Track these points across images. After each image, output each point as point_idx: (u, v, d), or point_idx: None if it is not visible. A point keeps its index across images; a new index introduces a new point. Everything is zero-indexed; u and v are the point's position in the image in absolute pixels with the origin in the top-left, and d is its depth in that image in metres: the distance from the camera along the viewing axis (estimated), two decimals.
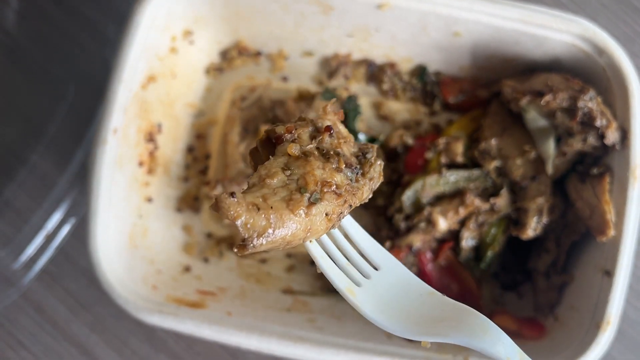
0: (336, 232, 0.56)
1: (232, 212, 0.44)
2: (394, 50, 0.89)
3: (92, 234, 0.74)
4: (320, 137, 0.53)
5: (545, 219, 0.80)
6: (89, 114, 0.89)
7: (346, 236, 0.57)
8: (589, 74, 0.80)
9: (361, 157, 0.56)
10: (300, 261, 0.89)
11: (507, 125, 0.84)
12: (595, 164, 0.79)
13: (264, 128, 0.86)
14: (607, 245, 0.76)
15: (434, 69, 0.92)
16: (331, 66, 0.92)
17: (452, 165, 0.85)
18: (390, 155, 0.90)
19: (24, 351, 0.91)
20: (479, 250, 0.85)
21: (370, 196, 0.56)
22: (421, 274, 0.84)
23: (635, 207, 0.74)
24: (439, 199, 0.83)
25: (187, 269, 0.86)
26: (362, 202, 0.55)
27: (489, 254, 0.83)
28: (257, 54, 0.93)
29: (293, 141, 0.52)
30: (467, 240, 0.83)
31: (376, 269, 0.57)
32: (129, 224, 0.81)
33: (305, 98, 0.91)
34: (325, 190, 0.50)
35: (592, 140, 0.77)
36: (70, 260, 0.92)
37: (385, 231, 0.87)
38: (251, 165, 0.54)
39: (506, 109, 0.85)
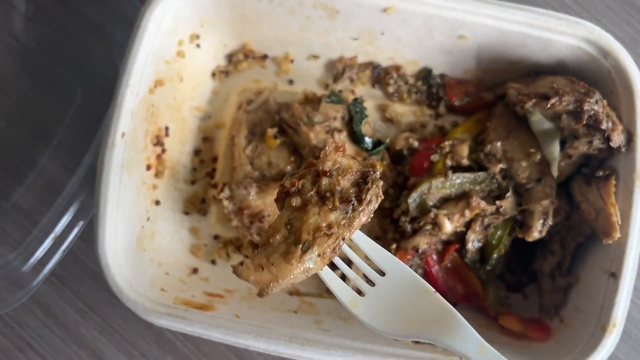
0: (345, 246, 0.62)
1: (244, 275, 0.59)
2: (399, 53, 0.90)
3: (100, 238, 0.74)
4: (319, 182, 0.61)
5: (550, 221, 0.80)
6: (97, 117, 0.89)
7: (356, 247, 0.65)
8: (593, 77, 0.81)
9: (362, 183, 0.63)
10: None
11: (512, 127, 0.85)
12: (601, 167, 0.80)
13: (270, 131, 0.87)
14: (612, 247, 0.76)
15: (438, 72, 0.92)
16: (337, 69, 0.92)
17: (458, 168, 0.85)
18: (396, 157, 0.90)
19: (33, 353, 0.92)
20: (484, 252, 0.85)
21: (372, 216, 0.63)
22: (427, 275, 0.85)
23: None
24: (444, 202, 0.83)
25: (194, 271, 0.86)
26: (365, 223, 0.62)
27: (495, 255, 0.84)
28: (263, 57, 0.93)
29: (298, 191, 0.62)
30: (473, 243, 0.84)
31: (383, 273, 0.63)
32: (137, 227, 0.81)
33: (311, 101, 0.91)
34: (316, 236, 0.59)
35: (597, 142, 0.77)
36: (79, 263, 0.93)
37: (391, 234, 0.87)
38: (278, 208, 0.64)
39: (511, 112, 0.86)
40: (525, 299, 0.87)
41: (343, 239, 0.61)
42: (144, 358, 0.91)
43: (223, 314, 0.76)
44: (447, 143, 0.85)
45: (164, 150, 0.86)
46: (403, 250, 0.83)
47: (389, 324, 0.62)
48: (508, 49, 0.83)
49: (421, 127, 0.93)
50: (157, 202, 0.86)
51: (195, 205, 0.90)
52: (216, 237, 0.91)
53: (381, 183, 0.63)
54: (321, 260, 0.60)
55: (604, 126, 0.75)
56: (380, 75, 0.93)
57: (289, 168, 0.88)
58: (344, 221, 0.61)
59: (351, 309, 0.63)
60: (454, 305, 0.88)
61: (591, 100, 0.75)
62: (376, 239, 0.85)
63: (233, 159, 0.89)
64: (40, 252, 0.87)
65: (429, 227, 0.82)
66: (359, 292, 0.63)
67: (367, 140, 0.87)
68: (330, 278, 0.63)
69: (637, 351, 0.91)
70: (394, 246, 0.84)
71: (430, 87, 0.92)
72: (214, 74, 0.93)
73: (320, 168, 0.63)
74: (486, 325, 0.85)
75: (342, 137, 0.85)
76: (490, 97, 0.89)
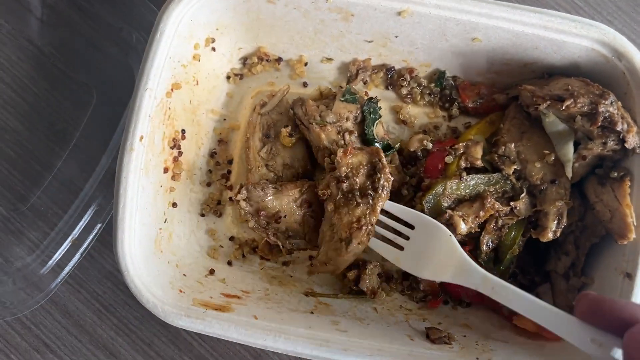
0: (380, 216, 0.80)
1: (317, 270, 0.85)
2: (413, 56, 0.90)
3: (120, 242, 0.75)
4: (341, 187, 0.80)
5: (565, 222, 0.81)
6: (113, 120, 0.91)
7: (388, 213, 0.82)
8: (607, 78, 0.81)
9: (373, 173, 0.80)
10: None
11: (525, 129, 0.85)
12: (615, 167, 0.80)
13: (285, 130, 0.88)
14: (627, 248, 0.76)
15: (451, 74, 0.93)
16: (350, 71, 0.93)
17: (472, 169, 0.86)
18: (410, 159, 0.91)
19: (51, 354, 0.93)
20: (498, 252, 0.86)
21: (390, 189, 0.81)
22: None
23: None
24: (459, 203, 0.84)
25: (211, 272, 0.87)
26: (384, 201, 0.81)
27: (509, 256, 0.84)
28: (278, 60, 0.94)
29: (329, 196, 0.81)
30: (487, 243, 0.84)
31: (413, 227, 0.81)
32: (155, 229, 0.82)
33: (326, 97, 0.92)
34: (351, 231, 0.79)
35: (612, 144, 0.78)
36: (95, 264, 0.94)
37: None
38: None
39: (524, 113, 0.86)
40: (538, 298, 0.88)
41: (372, 224, 0.79)
42: (161, 358, 0.92)
43: (241, 315, 0.77)
44: (461, 145, 0.86)
45: (180, 153, 0.87)
46: None
47: (424, 270, 0.79)
48: (521, 51, 0.84)
49: (434, 128, 0.94)
50: (174, 205, 0.87)
51: (211, 207, 0.91)
52: (232, 239, 0.92)
53: (387, 169, 0.80)
54: (362, 244, 0.80)
55: (619, 128, 0.75)
56: (393, 78, 0.94)
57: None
58: (368, 210, 0.79)
59: (396, 263, 0.81)
60: (468, 305, 0.89)
61: (606, 102, 0.75)
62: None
63: (248, 161, 0.90)
64: (58, 255, 0.88)
65: None
66: (399, 248, 0.80)
67: (377, 143, 0.87)
68: (375, 245, 0.81)
69: None
70: None
71: (443, 89, 0.93)
72: (228, 77, 0.94)
73: (338, 175, 0.80)
74: (500, 325, 0.85)
75: (352, 138, 0.86)
76: (503, 98, 0.90)
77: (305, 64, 0.94)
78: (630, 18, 0.99)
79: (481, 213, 0.82)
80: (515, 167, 0.83)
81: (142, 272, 0.76)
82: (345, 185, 0.80)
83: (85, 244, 0.88)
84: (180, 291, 0.80)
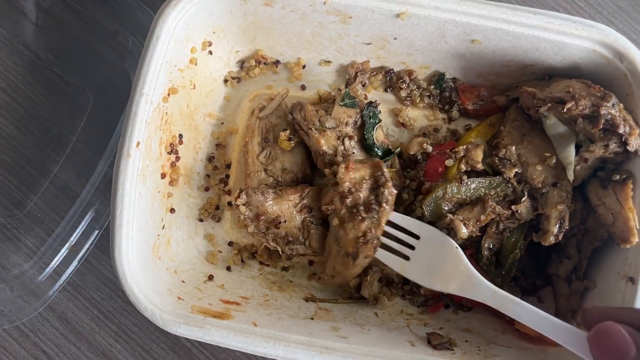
0: (385, 227, 0.80)
1: (326, 282, 0.86)
2: (412, 58, 0.89)
3: (117, 249, 0.74)
4: (344, 202, 0.79)
5: (567, 226, 0.80)
6: (109, 125, 0.90)
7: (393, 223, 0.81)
8: (608, 80, 0.80)
9: (376, 187, 0.80)
10: (321, 270, 0.89)
11: (526, 131, 0.85)
12: (616, 170, 0.79)
13: (283, 134, 0.87)
14: (630, 252, 0.76)
15: (451, 76, 0.92)
16: (349, 74, 0.92)
17: (472, 172, 0.85)
18: (410, 162, 0.90)
19: None
20: (499, 256, 0.85)
21: (393, 207, 0.81)
22: None
23: None
24: (460, 206, 0.83)
25: (210, 278, 0.86)
26: (389, 215, 0.80)
27: (510, 260, 0.84)
28: (275, 63, 0.93)
29: (334, 210, 0.80)
30: (488, 247, 0.83)
31: (418, 237, 0.80)
32: (153, 235, 0.81)
33: (325, 100, 0.91)
34: (358, 246, 0.78)
35: (613, 146, 0.77)
36: (93, 271, 0.93)
37: None
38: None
39: (525, 115, 0.85)
40: (540, 302, 0.87)
41: (378, 238, 0.79)
42: None
43: (240, 322, 0.76)
44: (461, 148, 0.85)
45: (178, 158, 0.86)
46: None
47: (430, 280, 0.78)
48: (521, 52, 0.83)
49: (434, 131, 0.93)
50: (172, 210, 0.86)
51: (210, 212, 0.90)
52: (230, 244, 0.91)
53: (390, 183, 0.79)
54: (369, 257, 0.79)
55: (621, 130, 0.74)
56: (392, 80, 0.93)
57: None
58: (374, 224, 0.78)
59: (403, 273, 0.80)
60: (469, 309, 0.88)
61: (608, 105, 0.75)
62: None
63: (247, 166, 0.89)
64: (55, 262, 0.87)
65: (444, 232, 0.82)
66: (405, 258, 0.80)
67: (377, 148, 0.86)
68: (381, 255, 0.80)
69: None
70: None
71: (442, 91, 0.92)
72: (226, 81, 0.93)
73: (341, 190, 0.79)
74: (502, 329, 0.85)
75: (352, 143, 0.85)
76: (503, 100, 0.89)
77: (303, 67, 0.93)
78: (632, 18, 0.98)
79: (482, 217, 0.81)
80: (516, 170, 0.82)
81: (140, 280, 0.76)
82: (349, 201, 0.79)
83: (83, 250, 0.87)
84: (179, 298, 0.79)
